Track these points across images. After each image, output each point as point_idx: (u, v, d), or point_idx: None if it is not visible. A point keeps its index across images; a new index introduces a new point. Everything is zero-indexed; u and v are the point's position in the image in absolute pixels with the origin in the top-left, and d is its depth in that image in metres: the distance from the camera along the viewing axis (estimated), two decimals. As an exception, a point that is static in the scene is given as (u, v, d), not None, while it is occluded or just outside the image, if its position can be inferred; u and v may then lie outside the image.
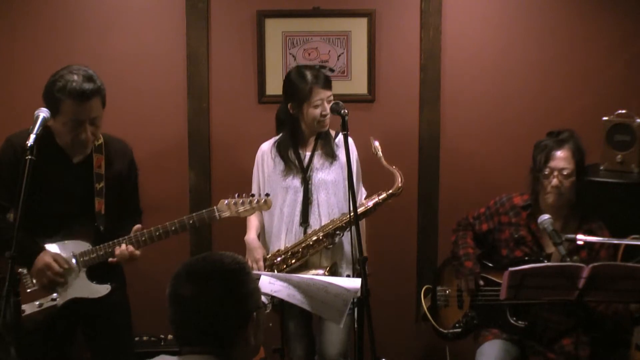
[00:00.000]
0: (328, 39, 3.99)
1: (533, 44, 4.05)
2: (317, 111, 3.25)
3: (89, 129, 2.80)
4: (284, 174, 3.33)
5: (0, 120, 3.87)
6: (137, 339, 3.84)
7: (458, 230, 3.47)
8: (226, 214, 3.00)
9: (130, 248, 2.91)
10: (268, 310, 2.99)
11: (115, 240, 2.93)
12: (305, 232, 3.28)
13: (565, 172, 3.14)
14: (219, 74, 4.02)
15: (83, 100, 2.74)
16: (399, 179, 3.26)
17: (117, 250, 2.90)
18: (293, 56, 3.98)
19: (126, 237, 2.93)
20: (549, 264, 3.10)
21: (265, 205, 3.05)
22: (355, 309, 2.80)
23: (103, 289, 2.95)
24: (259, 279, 2.78)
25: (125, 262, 2.95)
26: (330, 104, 3.19)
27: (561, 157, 3.14)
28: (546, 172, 3.16)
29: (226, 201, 3.00)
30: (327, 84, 3.28)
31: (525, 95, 4.09)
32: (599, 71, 4.08)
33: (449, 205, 4.09)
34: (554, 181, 3.14)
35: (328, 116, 3.26)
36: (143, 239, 2.93)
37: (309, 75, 3.26)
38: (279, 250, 3.29)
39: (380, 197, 3.26)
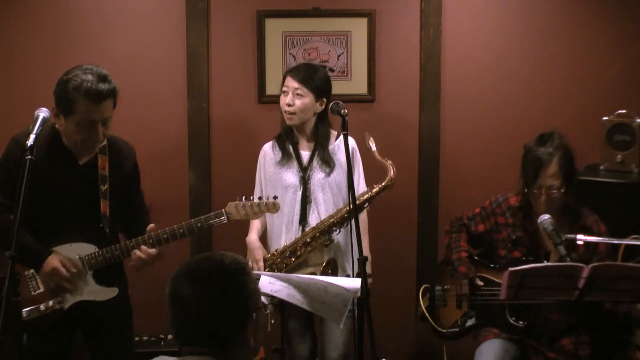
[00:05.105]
0: (328, 39, 3.99)
1: (533, 44, 4.05)
2: (283, 99, 3.27)
3: (100, 130, 2.79)
4: (283, 166, 3.32)
5: (0, 120, 3.88)
6: (137, 339, 3.83)
7: (451, 232, 3.46)
8: (235, 217, 2.97)
9: (148, 250, 2.90)
10: (268, 312, 2.98)
11: (123, 243, 2.92)
12: (303, 231, 3.28)
13: (553, 189, 3.11)
14: (219, 74, 4.02)
15: (98, 100, 2.73)
16: (391, 172, 3.25)
17: (134, 256, 2.89)
18: (293, 56, 3.98)
19: (133, 240, 2.91)
20: (548, 264, 3.10)
21: (273, 208, 3.03)
22: (356, 310, 2.80)
23: (111, 292, 2.94)
24: (259, 279, 2.78)
25: (145, 265, 2.93)
26: (331, 105, 3.18)
27: (549, 175, 3.10)
28: (535, 191, 3.14)
29: (234, 204, 2.97)
30: (299, 75, 3.26)
31: (525, 95, 4.08)
32: (599, 71, 4.07)
33: (449, 205, 4.08)
34: (543, 197, 3.13)
35: (294, 109, 3.24)
36: (150, 241, 2.91)
37: (292, 66, 3.31)
38: (277, 250, 3.30)
39: (373, 190, 3.25)
